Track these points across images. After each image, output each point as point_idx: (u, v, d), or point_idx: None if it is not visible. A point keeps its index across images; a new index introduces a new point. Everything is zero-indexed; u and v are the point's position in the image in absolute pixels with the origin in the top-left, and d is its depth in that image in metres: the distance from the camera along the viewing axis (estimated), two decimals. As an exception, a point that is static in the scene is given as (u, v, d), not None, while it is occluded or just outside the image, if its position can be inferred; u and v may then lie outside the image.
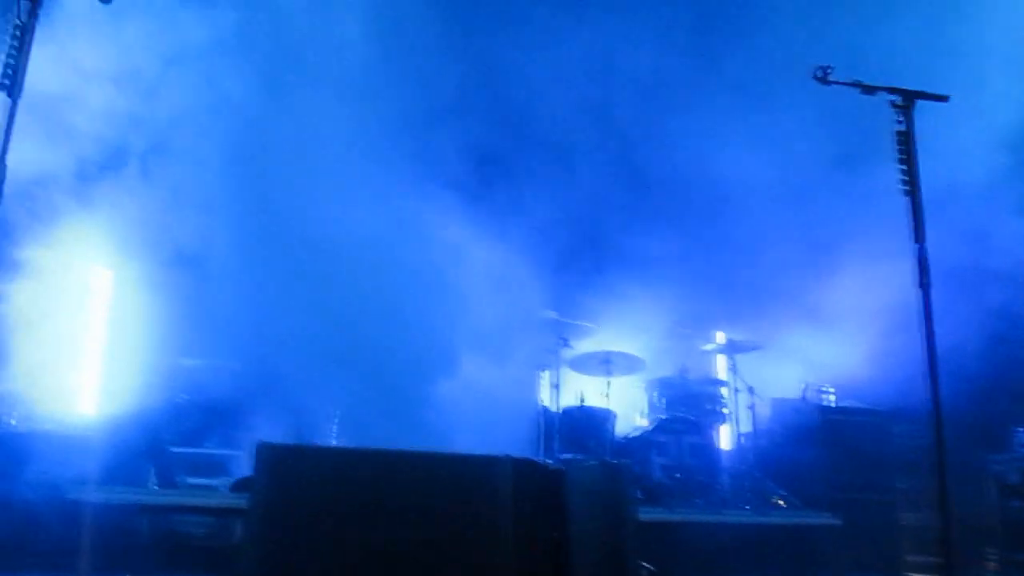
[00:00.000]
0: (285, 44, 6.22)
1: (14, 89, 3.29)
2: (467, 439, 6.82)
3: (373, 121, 6.36)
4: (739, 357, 7.64)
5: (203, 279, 6.10)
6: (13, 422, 6.03)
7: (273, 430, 6.56)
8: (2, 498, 5.00)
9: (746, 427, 7.54)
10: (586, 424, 7.27)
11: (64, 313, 6.01)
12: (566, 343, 7.47)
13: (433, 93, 6.79)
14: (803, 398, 7.52)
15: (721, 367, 8.33)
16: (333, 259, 6.16)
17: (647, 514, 5.89)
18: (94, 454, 5.63)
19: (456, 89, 7.04)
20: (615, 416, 7.49)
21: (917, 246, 4.06)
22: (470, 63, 7.23)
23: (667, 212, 8.21)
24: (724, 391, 7.63)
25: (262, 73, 6.10)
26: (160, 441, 6.56)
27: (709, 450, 7.17)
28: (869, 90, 4.20)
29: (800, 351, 8.06)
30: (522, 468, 2.55)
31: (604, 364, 7.45)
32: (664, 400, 7.49)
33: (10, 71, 3.31)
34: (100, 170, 5.65)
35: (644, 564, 2.47)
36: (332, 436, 6.56)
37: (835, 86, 4.20)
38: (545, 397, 7.62)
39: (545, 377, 7.87)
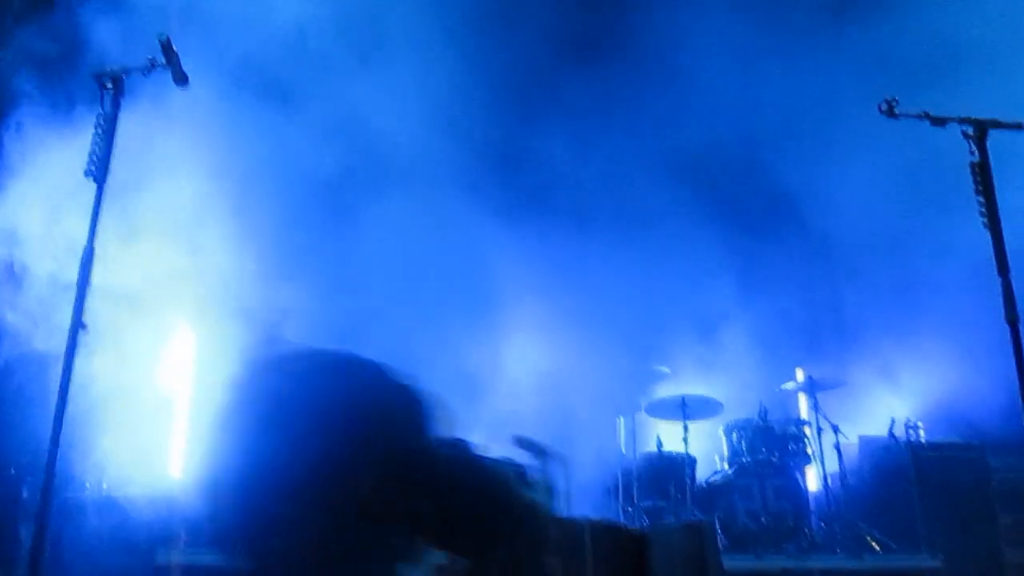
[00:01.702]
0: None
1: (100, 175, 3.44)
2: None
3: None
4: (821, 395, 7.39)
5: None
6: (105, 487, 6.20)
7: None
8: (96, 563, 5.12)
9: (833, 467, 7.26)
10: (665, 470, 7.13)
11: (150, 376, 6.17)
12: (642, 389, 7.38)
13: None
14: (891, 434, 7.23)
15: (803, 406, 8.09)
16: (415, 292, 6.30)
17: (733, 562, 5.70)
18: (184, 517, 5.74)
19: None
20: (695, 461, 7.34)
21: (1000, 279, 3.89)
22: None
23: (741, 250, 8.09)
24: (807, 431, 7.37)
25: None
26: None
27: (795, 493, 6.91)
28: (939, 122, 4.08)
29: (886, 387, 7.79)
30: (602, 532, 2.49)
31: (681, 408, 7.30)
32: (744, 442, 7.28)
33: (95, 158, 3.46)
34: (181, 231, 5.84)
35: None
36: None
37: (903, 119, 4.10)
38: (623, 444, 7.54)
39: (621, 423, 7.80)
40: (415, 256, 6.85)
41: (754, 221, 8.07)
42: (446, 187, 7.12)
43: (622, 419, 7.64)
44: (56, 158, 4.96)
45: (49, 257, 4.98)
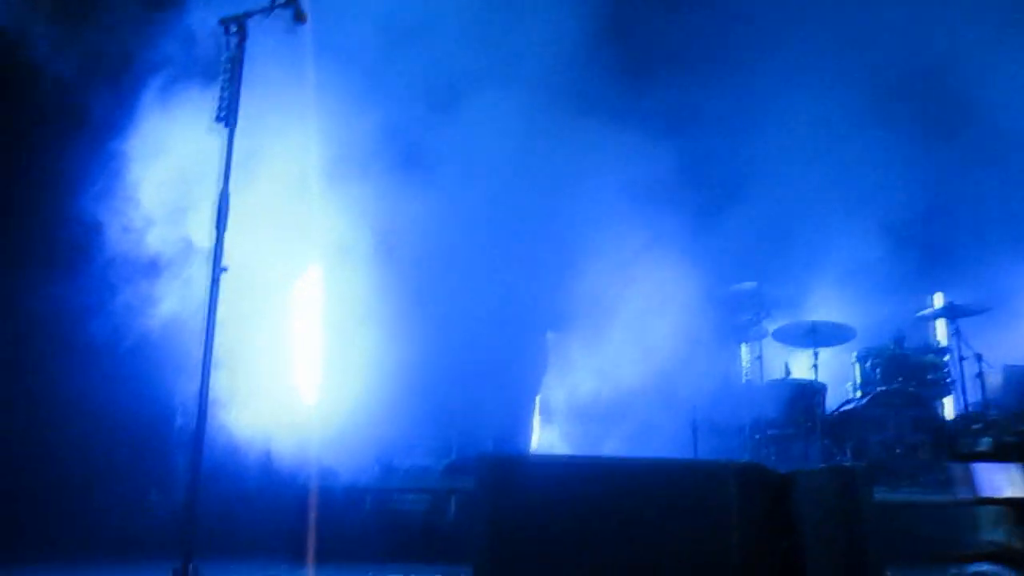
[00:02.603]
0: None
1: (230, 119, 3.49)
2: (667, 417, 6.76)
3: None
4: (963, 321, 6.98)
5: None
6: (246, 413, 6.53)
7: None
8: (243, 489, 5.41)
9: (974, 398, 6.90)
10: (794, 398, 6.94)
11: (282, 311, 6.38)
12: (768, 314, 7.15)
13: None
14: (1040, 362, 6.79)
15: (941, 333, 7.67)
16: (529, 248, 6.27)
17: (866, 495, 5.52)
18: (319, 441, 5.99)
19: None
20: (825, 388, 7.11)
21: None
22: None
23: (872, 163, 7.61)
24: (947, 359, 7.00)
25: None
26: (378, 426, 6.92)
27: (933, 424, 6.61)
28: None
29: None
30: (747, 476, 2.41)
31: (810, 334, 7.04)
32: (879, 371, 6.98)
33: (224, 103, 3.50)
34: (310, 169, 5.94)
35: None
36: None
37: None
38: (747, 371, 7.38)
39: (745, 350, 7.62)
40: (525, 174, 6.75)
41: (898, 130, 7.52)
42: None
43: (748, 346, 7.44)
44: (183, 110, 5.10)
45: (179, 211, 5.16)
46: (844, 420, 6.89)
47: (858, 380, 7.22)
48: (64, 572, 5.00)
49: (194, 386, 3.70)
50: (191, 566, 3.35)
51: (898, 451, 6.49)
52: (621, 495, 2.35)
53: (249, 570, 4.46)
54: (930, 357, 7.02)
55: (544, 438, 7.16)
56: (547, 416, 7.23)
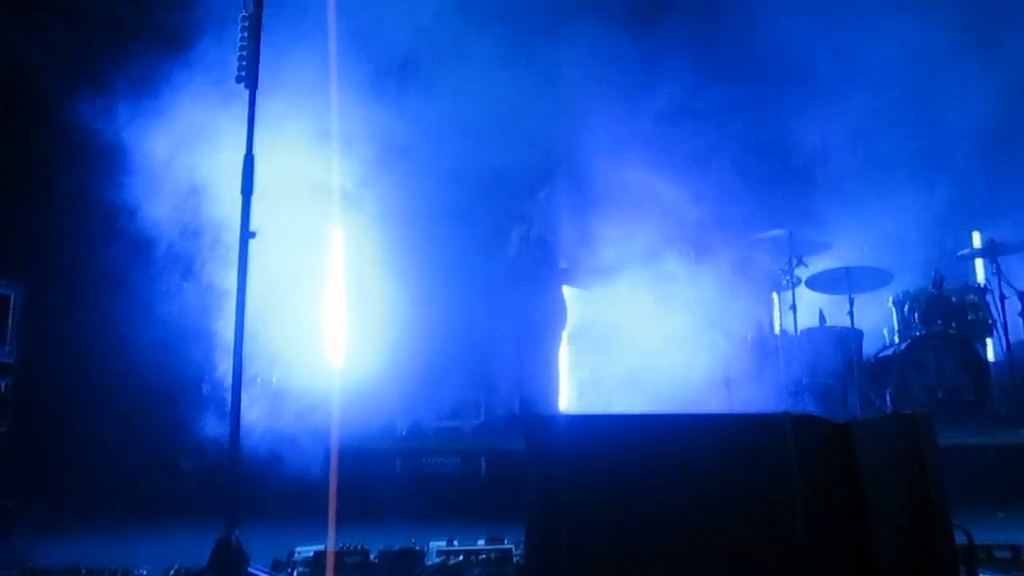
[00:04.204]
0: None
1: (250, 80, 3.44)
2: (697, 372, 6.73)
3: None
4: (1003, 260, 6.89)
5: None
6: (274, 379, 6.58)
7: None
8: (271, 449, 5.46)
9: (1016, 337, 6.83)
10: (831, 346, 6.92)
11: (307, 273, 6.38)
12: (800, 261, 7.07)
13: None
14: (1085, 300, 6.69)
15: (981, 273, 7.58)
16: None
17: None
18: (346, 404, 6.03)
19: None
20: (861, 334, 7.07)
21: None
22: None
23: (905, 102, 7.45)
24: (987, 299, 6.92)
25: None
26: (406, 389, 6.96)
27: (975, 365, 6.57)
28: None
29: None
30: (804, 426, 2.38)
31: (845, 280, 6.97)
32: (918, 314, 6.93)
33: (244, 62, 3.45)
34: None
35: (960, 527, 2.25)
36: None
37: None
38: (781, 321, 7.32)
39: (776, 299, 7.55)
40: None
41: (931, 58, 7.33)
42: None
43: (780, 295, 7.38)
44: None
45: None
46: (883, 366, 6.87)
47: (896, 325, 7.17)
48: (105, 534, 5.09)
49: (224, 355, 3.70)
50: (234, 536, 3.38)
51: (940, 395, 6.46)
52: (675, 452, 2.33)
53: (287, 535, 4.52)
54: (970, 298, 6.95)
55: (571, 396, 7.17)
56: (574, 373, 7.23)
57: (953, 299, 6.91)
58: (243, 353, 3.57)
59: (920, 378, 6.53)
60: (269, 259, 5.15)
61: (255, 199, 3.54)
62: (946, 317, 6.83)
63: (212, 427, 5.35)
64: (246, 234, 3.40)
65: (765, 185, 7.18)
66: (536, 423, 2.34)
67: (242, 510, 3.53)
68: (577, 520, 2.22)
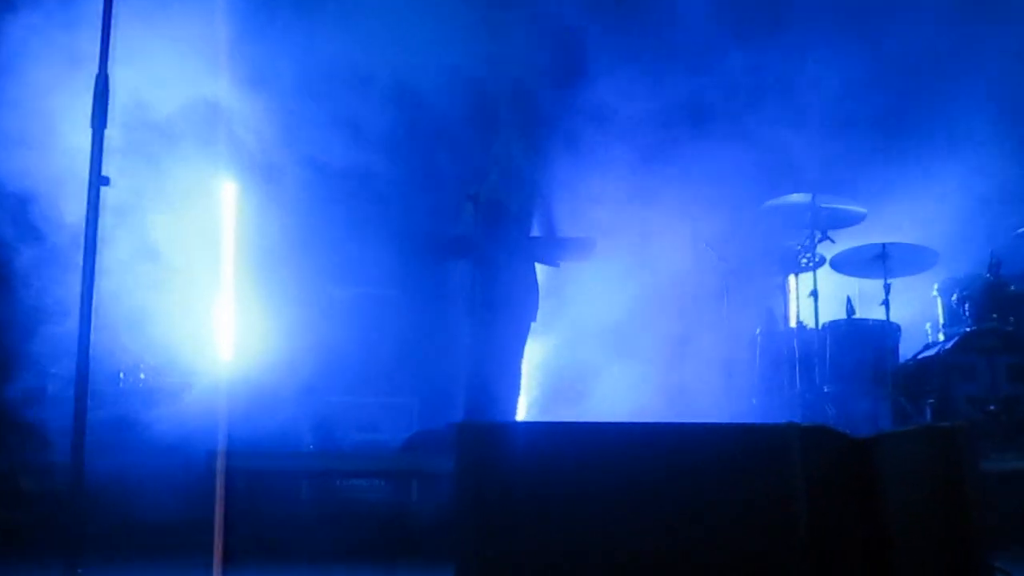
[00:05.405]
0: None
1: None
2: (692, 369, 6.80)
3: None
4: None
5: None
6: (142, 376, 6.50)
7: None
8: (130, 466, 5.39)
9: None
10: (859, 343, 7.01)
11: (190, 240, 6.29)
12: (824, 235, 7.14)
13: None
14: None
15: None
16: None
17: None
18: (235, 409, 5.96)
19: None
20: (898, 329, 7.17)
21: None
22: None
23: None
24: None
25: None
26: (314, 390, 6.92)
27: (1038, 373, 6.69)
28: None
29: None
30: (814, 441, 2.39)
31: (880, 261, 7.05)
32: (968, 306, 7.02)
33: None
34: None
35: (1003, 571, 2.28)
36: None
37: None
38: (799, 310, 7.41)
39: (793, 283, 7.64)
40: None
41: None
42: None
43: (798, 277, 7.46)
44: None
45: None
46: (923, 370, 6.97)
47: (941, 319, 7.28)
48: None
49: (70, 342, 3.61)
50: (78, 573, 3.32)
51: (992, 407, 6.57)
52: (647, 472, 2.31)
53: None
54: (1034, 287, 7.07)
55: (536, 398, 7.19)
56: (543, 369, 7.25)
57: (1012, 288, 7.01)
58: (92, 342, 3.48)
59: (968, 387, 6.63)
60: (132, 217, 5.08)
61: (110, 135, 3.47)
62: (1003, 311, 6.92)
63: (60, 438, 5.26)
64: (97, 179, 3.31)
65: (780, 136, 7.21)
66: (469, 433, 2.31)
67: (102, 542, 3.48)
68: (521, 553, 2.19)
